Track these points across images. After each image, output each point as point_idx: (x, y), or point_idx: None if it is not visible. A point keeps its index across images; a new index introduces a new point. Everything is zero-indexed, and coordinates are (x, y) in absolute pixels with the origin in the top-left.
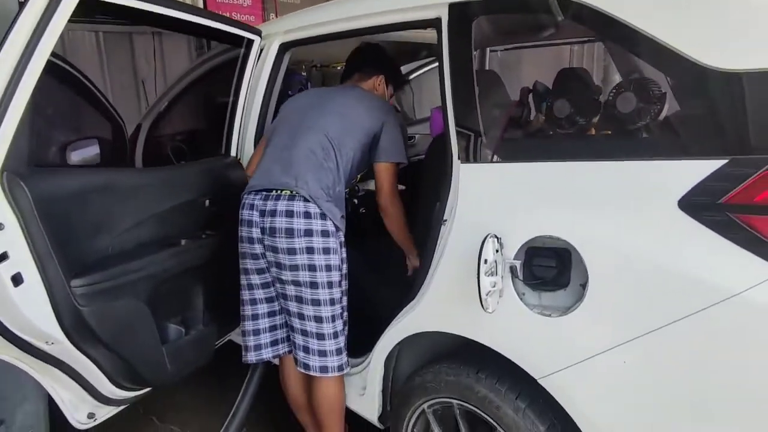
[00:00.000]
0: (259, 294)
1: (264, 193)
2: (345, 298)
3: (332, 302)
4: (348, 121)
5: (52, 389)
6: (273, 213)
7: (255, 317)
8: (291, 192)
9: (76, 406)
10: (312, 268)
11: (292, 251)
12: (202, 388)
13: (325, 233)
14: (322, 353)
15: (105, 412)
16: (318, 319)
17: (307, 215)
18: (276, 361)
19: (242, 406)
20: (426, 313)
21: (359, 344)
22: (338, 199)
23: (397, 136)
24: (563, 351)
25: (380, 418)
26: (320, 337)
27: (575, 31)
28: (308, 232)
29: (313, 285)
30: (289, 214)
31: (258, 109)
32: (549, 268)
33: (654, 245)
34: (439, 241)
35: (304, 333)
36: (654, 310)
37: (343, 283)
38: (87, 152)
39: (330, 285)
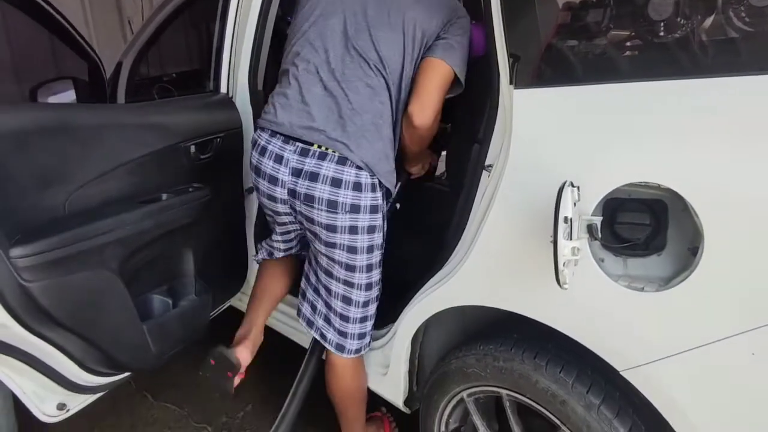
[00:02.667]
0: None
1: (300, 145)
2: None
3: (368, 287)
4: (409, 35)
5: (9, 380)
6: (314, 177)
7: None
8: (341, 154)
9: (42, 398)
10: (352, 249)
11: (331, 228)
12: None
13: (374, 209)
14: (342, 333)
15: (80, 401)
16: (346, 300)
17: (357, 187)
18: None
19: (297, 394)
20: (466, 284)
21: (379, 313)
22: (392, 151)
23: (464, 44)
24: (662, 336)
25: (406, 402)
26: (344, 318)
27: None
28: (354, 208)
29: (350, 268)
30: (336, 182)
31: (251, 38)
32: (640, 226)
33: None
34: (480, 194)
35: (329, 306)
36: None
37: (381, 260)
38: (61, 96)
39: (369, 268)
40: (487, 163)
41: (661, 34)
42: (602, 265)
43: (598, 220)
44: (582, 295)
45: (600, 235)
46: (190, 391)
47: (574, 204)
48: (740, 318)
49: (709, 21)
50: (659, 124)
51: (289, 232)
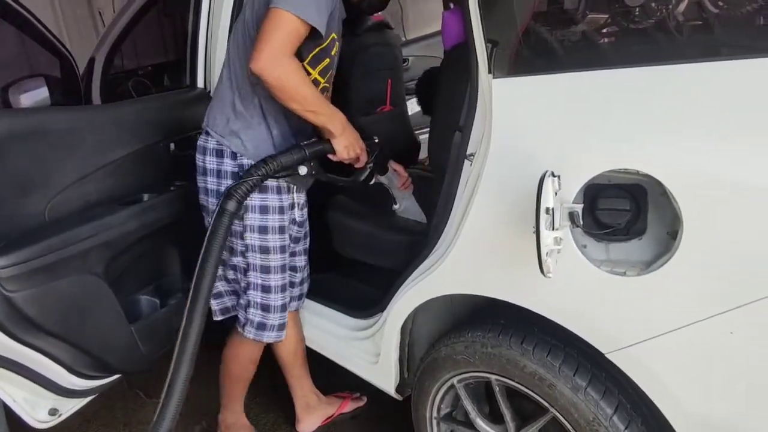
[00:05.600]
0: None
1: None
2: (259, 258)
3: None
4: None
5: None
6: None
7: None
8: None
9: (33, 404)
10: (206, 210)
11: (198, 191)
12: None
13: (220, 173)
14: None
15: (72, 405)
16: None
17: (204, 151)
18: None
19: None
20: (452, 273)
21: (365, 302)
22: (231, 109)
23: None
24: (645, 319)
25: (397, 388)
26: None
27: None
28: (203, 171)
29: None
30: (198, 150)
31: (227, 28)
32: (620, 212)
33: None
34: (463, 182)
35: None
36: None
37: (251, 239)
38: (34, 94)
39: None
40: (468, 151)
41: (637, 20)
42: (585, 251)
43: (579, 208)
44: (566, 281)
45: (582, 222)
46: None
47: (555, 193)
48: (718, 299)
49: (683, 6)
50: (637, 110)
51: None
